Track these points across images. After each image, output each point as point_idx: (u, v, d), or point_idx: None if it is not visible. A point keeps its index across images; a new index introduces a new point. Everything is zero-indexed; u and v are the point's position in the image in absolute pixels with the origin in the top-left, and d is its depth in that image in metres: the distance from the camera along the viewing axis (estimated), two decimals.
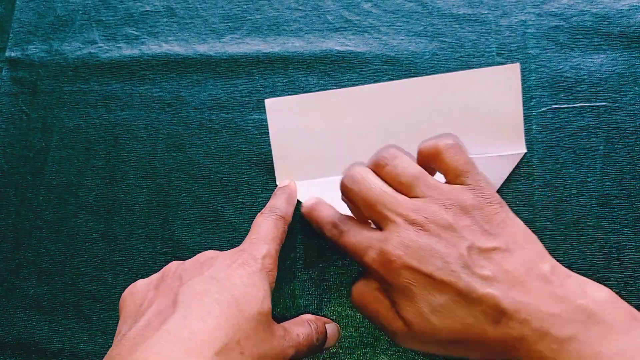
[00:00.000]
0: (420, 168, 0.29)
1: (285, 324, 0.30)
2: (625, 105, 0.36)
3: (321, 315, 0.34)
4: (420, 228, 0.26)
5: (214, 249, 0.35)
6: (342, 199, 0.31)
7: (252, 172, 0.37)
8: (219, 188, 0.37)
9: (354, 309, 0.34)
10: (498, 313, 0.24)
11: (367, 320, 0.34)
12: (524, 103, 0.37)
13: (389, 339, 0.33)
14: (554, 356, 0.23)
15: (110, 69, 0.41)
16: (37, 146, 0.40)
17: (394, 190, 0.28)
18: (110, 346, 0.35)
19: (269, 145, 0.38)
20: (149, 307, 0.26)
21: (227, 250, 0.30)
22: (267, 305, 0.27)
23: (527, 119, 0.36)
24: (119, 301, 0.36)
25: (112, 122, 0.40)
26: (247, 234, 0.31)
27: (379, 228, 0.28)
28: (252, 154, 0.38)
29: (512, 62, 0.38)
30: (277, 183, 0.37)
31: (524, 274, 0.25)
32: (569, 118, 0.36)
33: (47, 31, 0.43)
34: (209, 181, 0.37)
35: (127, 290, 0.29)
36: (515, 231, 0.27)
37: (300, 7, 0.41)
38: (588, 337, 0.23)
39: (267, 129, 0.38)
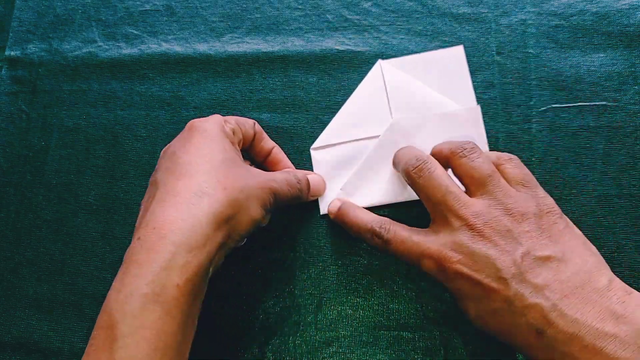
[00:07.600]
0: (494, 167, 0.29)
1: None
2: (625, 104, 0.36)
3: (320, 315, 0.34)
4: (476, 233, 0.27)
5: None
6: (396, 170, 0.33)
7: None
8: None
9: (354, 309, 0.34)
10: (545, 324, 0.24)
11: (365, 319, 0.34)
12: (524, 102, 0.37)
13: (388, 339, 0.33)
14: None
15: (110, 68, 0.41)
16: (36, 145, 0.40)
17: (459, 190, 0.28)
18: None
19: None
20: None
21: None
22: (230, 153, 0.30)
23: (527, 118, 0.36)
24: None
25: (111, 121, 0.40)
26: None
27: (434, 223, 0.29)
28: None
29: (512, 61, 0.38)
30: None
31: (578, 285, 0.25)
32: (569, 117, 0.36)
33: (47, 30, 0.43)
34: None
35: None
36: (573, 242, 0.27)
37: (300, 6, 0.41)
38: None
39: (267, 128, 0.38)
